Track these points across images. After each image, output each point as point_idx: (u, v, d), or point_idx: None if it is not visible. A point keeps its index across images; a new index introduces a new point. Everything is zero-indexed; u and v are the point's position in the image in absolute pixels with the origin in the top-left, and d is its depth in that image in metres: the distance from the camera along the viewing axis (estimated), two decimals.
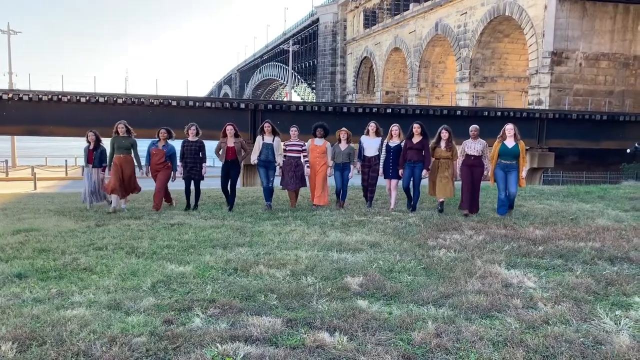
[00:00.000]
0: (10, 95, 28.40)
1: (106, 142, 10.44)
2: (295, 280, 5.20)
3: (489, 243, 6.94)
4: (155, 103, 29.36)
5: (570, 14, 34.81)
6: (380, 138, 10.10)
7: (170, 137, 10.17)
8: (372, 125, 10.13)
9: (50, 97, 28.52)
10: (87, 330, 3.83)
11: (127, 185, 10.03)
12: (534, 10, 36.34)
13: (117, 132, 9.98)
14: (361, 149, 10.13)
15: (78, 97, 28.63)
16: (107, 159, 10.11)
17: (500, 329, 3.95)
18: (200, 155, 10.04)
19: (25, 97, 28.22)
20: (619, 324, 4.03)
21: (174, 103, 29.58)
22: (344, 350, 3.56)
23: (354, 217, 9.11)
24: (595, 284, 5.02)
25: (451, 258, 6.12)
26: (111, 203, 10.02)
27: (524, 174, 9.30)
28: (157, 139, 10.14)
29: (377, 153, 10.00)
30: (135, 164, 10.14)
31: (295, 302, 4.52)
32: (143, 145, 10.24)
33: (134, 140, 10.14)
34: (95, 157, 10.09)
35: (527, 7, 36.92)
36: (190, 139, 10.00)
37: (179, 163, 10.12)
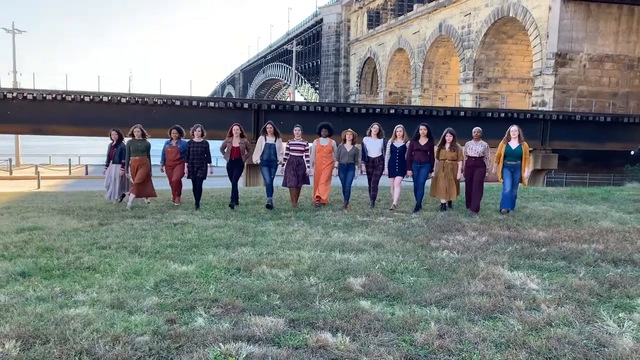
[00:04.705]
0: (14, 94, 28.46)
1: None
2: (297, 280, 5.21)
3: (492, 244, 6.94)
4: (159, 103, 29.41)
5: (575, 15, 34.73)
6: (383, 139, 10.37)
7: (181, 135, 10.81)
8: (375, 127, 10.40)
9: (54, 96, 28.57)
10: (90, 329, 3.84)
11: (142, 186, 10.63)
12: (538, 11, 36.27)
13: (132, 135, 10.69)
14: (364, 150, 10.35)
15: (82, 97, 28.69)
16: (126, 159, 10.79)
17: (503, 330, 3.94)
18: (205, 156, 10.47)
19: (30, 96, 28.28)
20: (622, 326, 4.02)
21: (178, 103, 29.63)
22: (346, 351, 3.57)
23: (356, 218, 9.12)
24: (598, 286, 5.01)
25: (454, 259, 6.12)
26: (121, 200, 10.96)
27: (526, 174, 9.80)
28: (170, 139, 10.80)
29: (381, 154, 10.29)
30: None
31: (298, 303, 4.52)
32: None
33: (149, 143, 10.86)
34: (115, 153, 11.04)
35: (532, 8, 36.86)
36: (195, 139, 10.44)
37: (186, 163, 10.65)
